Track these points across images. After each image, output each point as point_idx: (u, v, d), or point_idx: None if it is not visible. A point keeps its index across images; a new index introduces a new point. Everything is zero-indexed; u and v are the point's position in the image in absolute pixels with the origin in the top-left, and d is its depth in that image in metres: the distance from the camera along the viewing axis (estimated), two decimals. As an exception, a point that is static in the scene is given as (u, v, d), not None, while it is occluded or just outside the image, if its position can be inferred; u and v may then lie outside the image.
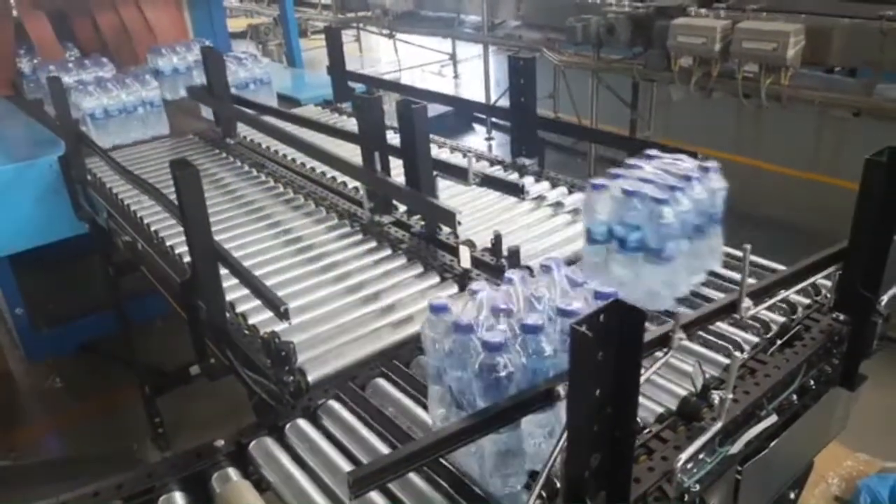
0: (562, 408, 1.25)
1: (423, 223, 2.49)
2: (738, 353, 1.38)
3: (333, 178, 2.99)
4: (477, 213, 2.58)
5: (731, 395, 1.38)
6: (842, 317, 1.74)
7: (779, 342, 1.69)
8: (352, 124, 3.45)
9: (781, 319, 1.78)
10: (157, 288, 2.61)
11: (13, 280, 4.31)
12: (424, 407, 1.63)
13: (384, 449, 1.51)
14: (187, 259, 2.22)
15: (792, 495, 1.95)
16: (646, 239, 1.71)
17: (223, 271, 2.03)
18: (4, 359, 4.75)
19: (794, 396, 1.62)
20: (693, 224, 1.73)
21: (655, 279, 1.74)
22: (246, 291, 2.03)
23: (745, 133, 8.16)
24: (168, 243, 2.54)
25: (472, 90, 10.37)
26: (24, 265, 4.22)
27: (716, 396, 1.40)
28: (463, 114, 8.46)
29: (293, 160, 3.29)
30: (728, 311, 1.46)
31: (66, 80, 3.95)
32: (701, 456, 1.38)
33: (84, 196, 3.48)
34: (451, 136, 3.76)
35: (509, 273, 1.42)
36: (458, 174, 2.42)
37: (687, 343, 1.43)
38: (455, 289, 2.12)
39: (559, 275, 1.39)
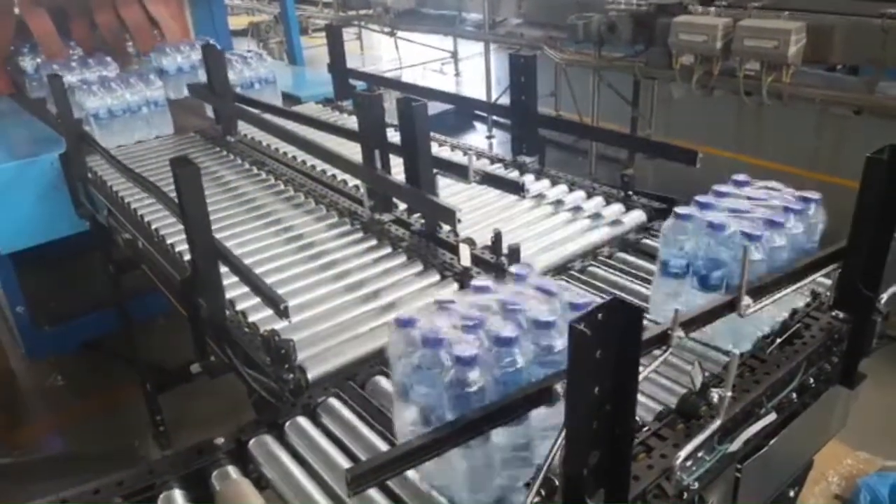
0: (535, 421, 1.26)
1: (423, 221, 2.49)
2: (736, 351, 1.38)
3: (334, 176, 2.99)
4: (477, 211, 2.58)
5: (730, 393, 1.38)
6: (841, 315, 1.74)
7: (778, 340, 1.69)
8: (352, 122, 3.45)
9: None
10: (157, 286, 2.61)
11: (14, 278, 4.31)
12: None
13: (383, 447, 1.51)
14: (187, 257, 2.22)
15: (791, 493, 1.95)
16: (730, 278, 1.57)
17: (223, 269, 2.04)
18: (6, 357, 4.76)
19: (794, 394, 1.62)
20: (784, 261, 1.59)
21: (734, 320, 1.53)
22: (246, 289, 2.03)
23: (746, 131, 8.14)
24: (168, 241, 2.55)
25: (474, 88, 10.36)
26: (25, 263, 4.22)
27: (715, 394, 1.40)
28: (464, 112, 8.46)
29: (294, 158, 3.29)
30: (727, 309, 1.46)
31: (69, 79, 3.95)
32: (700, 454, 1.38)
33: (85, 194, 3.48)
34: (452, 134, 3.75)
35: (478, 281, 1.38)
36: (459, 172, 2.42)
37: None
38: (455, 286, 2.12)
39: (533, 283, 1.36)
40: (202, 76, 4.13)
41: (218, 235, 2.19)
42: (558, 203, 2.62)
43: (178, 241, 2.49)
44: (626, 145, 6.05)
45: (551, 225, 2.46)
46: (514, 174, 2.91)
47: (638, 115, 6.75)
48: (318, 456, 1.53)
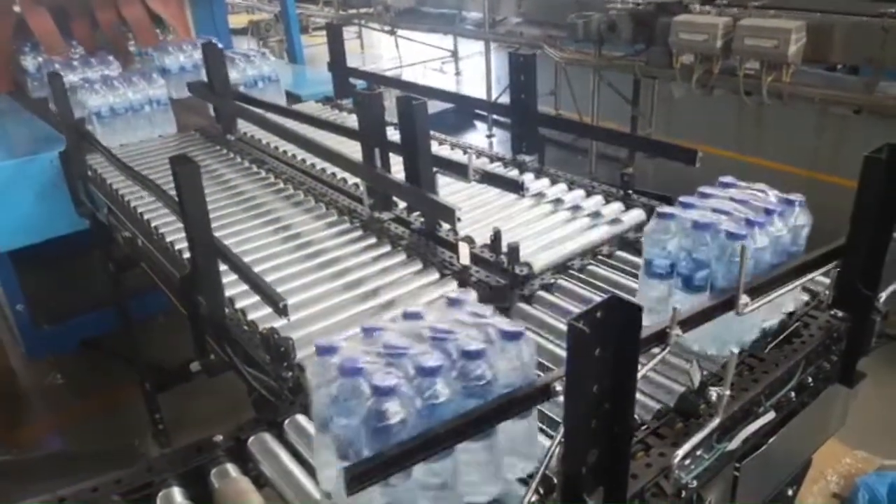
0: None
1: (422, 220, 2.49)
2: (735, 350, 1.38)
3: (333, 175, 2.99)
4: (476, 210, 2.58)
5: (728, 392, 1.38)
6: (840, 314, 1.74)
7: (777, 339, 1.69)
8: (352, 121, 3.45)
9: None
10: (157, 284, 2.61)
11: (14, 276, 4.32)
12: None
13: (382, 445, 1.51)
14: (187, 255, 2.22)
15: (790, 492, 1.95)
16: (715, 278, 1.55)
17: (223, 267, 2.04)
18: (5, 356, 4.76)
19: (793, 393, 1.62)
20: (769, 264, 1.58)
21: (720, 322, 1.52)
22: (245, 287, 2.03)
23: (746, 130, 8.14)
24: (168, 239, 2.55)
25: (474, 87, 10.36)
26: (24, 261, 4.22)
27: (713, 393, 1.40)
28: (464, 110, 8.46)
29: (293, 156, 3.29)
30: (726, 307, 1.46)
31: (71, 78, 3.94)
32: (699, 452, 1.38)
33: (85, 192, 3.48)
34: (452, 132, 3.75)
35: (411, 308, 1.32)
36: (458, 171, 2.42)
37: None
38: (454, 284, 2.12)
39: (464, 310, 1.31)
40: (205, 75, 4.12)
41: (217, 233, 2.19)
42: (558, 202, 2.62)
43: (177, 239, 2.49)
44: (625, 144, 6.05)
45: (551, 223, 2.46)
46: (513, 173, 2.91)
47: (638, 114, 6.75)
48: (317, 454, 1.53)
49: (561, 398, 1.16)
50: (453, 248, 2.23)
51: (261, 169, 3.25)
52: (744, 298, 1.44)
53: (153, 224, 2.68)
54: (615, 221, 2.42)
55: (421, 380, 1.17)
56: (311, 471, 1.50)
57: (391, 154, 2.56)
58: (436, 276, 2.20)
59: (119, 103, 3.66)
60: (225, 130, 3.71)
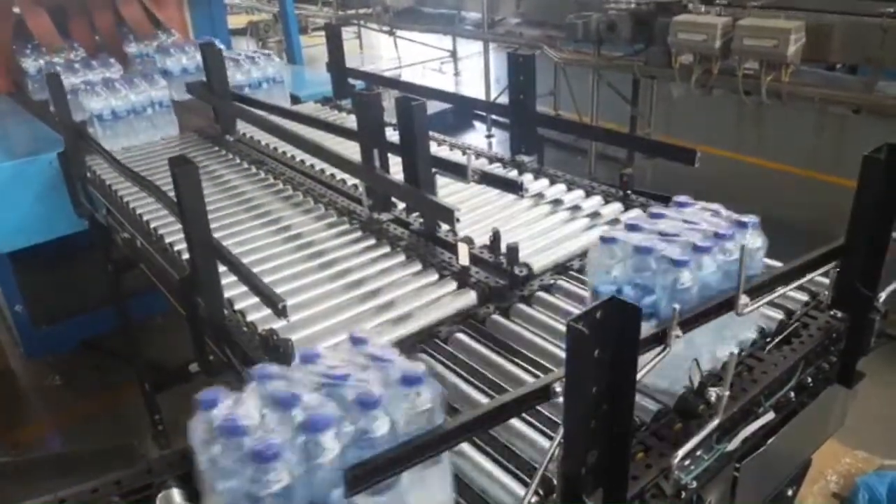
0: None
1: (421, 220, 2.49)
2: (735, 350, 1.38)
3: (332, 175, 2.99)
4: (476, 211, 2.58)
5: (728, 392, 1.38)
6: (839, 314, 1.74)
7: (776, 339, 1.69)
8: (351, 121, 3.45)
9: (779, 316, 1.78)
10: (156, 285, 2.61)
11: (13, 277, 4.31)
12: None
13: (382, 446, 1.50)
14: (186, 256, 2.22)
15: (790, 492, 1.95)
16: (659, 306, 1.45)
17: (222, 268, 2.03)
18: (4, 356, 4.76)
19: (792, 394, 1.62)
20: (720, 290, 1.48)
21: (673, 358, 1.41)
22: (244, 288, 2.03)
23: (745, 130, 8.16)
24: (167, 240, 2.54)
25: (473, 87, 10.36)
26: (23, 262, 4.22)
27: (713, 393, 1.40)
28: (463, 111, 8.46)
29: (292, 157, 3.28)
30: (725, 307, 1.46)
31: (72, 80, 3.93)
32: (698, 453, 1.38)
33: (84, 193, 3.48)
34: (451, 133, 3.75)
35: (304, 350, 1.22)
36: (457, 171, 2.42)
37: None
38: (454, 285, 2.12)
39: (359, 351, 1.23)
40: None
41: (216, 234, 2.18)
42: (557, 202, 2.62)
43: (176, 240, 2.49)
44: (625, 145, 6.07)
45: (550, 224, 2.46)
46: (512, 173, 2.90)
47: (637, 114, 6.76)
48: (316, 455, 1.53)
49: (560, 399, 1.16)
50: (452, 248, 2.23)
51: (260, 170, 3.25)
52: (743, 299, 1.44)
53: (152, 225, 2.68)
54: (614, 222, 2.42)
55: (307, 437, 1.06)
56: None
57: (390, 155, 2.55)
58: (435, 276, 2.20)
59: (121, 106, 3.61)
60: (224, 131, 3.71)
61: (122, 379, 4.22)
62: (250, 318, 2.00)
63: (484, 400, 1.60)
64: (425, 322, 1.94)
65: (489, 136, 8.60)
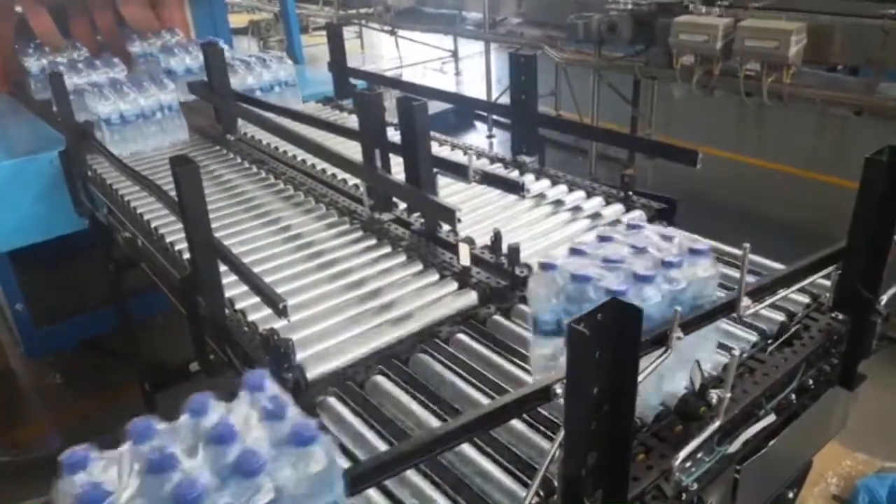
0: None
1: (422, 220, 2.49)
2: (736, 352, 1.38)
3: (333, 175, 2.99)
4: (477, 211, 2.57)
5: (729, 394, 1.38)
6: (841, 316, 1.74)
7: (778, 341, 1.69)
8: (352, 121, 3.45)
9: (780, 319, 1.78)
10: (157, 284, 2.61)
11: (13, 276, 4.31)
12: (423, 405, 1.63)
13: (382, 447, 1.51)
14: (187, 255, 2.22)
15: (790, 494, 1.95)
16: None
17: (222, 268, 2.03)
18: (5, 355, 4.76)
19: (793, 396, 1.62)
20: (660, 320, 1.35)
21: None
22: (245, 288, 2.03)
23: (746, 131, 8.15)
24: (168, 240, 2.54)
25: (474, 87, 10.36)
26: (24, 261, 4.22)
27: (714, 395, 1.40)
28: (464, 111, 8.46)
29: (293, 157, 3.28)
30: (727, 310, 1.46)
31: (76, 80, 3.92)
32: (699, 455, 1.38)
33: (84, 192, 3.48)
34: (452, 133, 3.75)
35: (139, 421, 1.09)
36: (459, 171, 2.42)
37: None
38: (454, 286, 2.11)
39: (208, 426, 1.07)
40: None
41: (217, 234, 2.18)
42: (558, 203, 2.62)
43: (177, 239, 2.49)
44: (626, 145, 6.07)
45: (551, 225, 2.46)
46: (513, 174, 2.90)
47: (638, 115, 6.75)
48: (316, 455, 1.53)
49: (561, 400, 1.16)
50: (454, 249, 2.23)
51: (261, 169, 3.25)
52: (745, 301, 1.44)
53: (153, 224, 2.68)
54: (615, 223, 2.42)
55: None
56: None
57: (391, 155, 2.55)
58: (436, 277, 2.20)
59: (129, 110, 3.50)
60: (225, 131, 3.71)
61: (122, 378, 4.21)
62: (251, 317, 2.00)
63: (485, 400, 1.60)
64: (426, 322, 1.94)
65: (490, 137, 8.60)
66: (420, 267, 2.26)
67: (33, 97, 4.52)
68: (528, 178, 2.83)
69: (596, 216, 2.48)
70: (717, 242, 2.19)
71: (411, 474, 1.39)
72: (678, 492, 1.34)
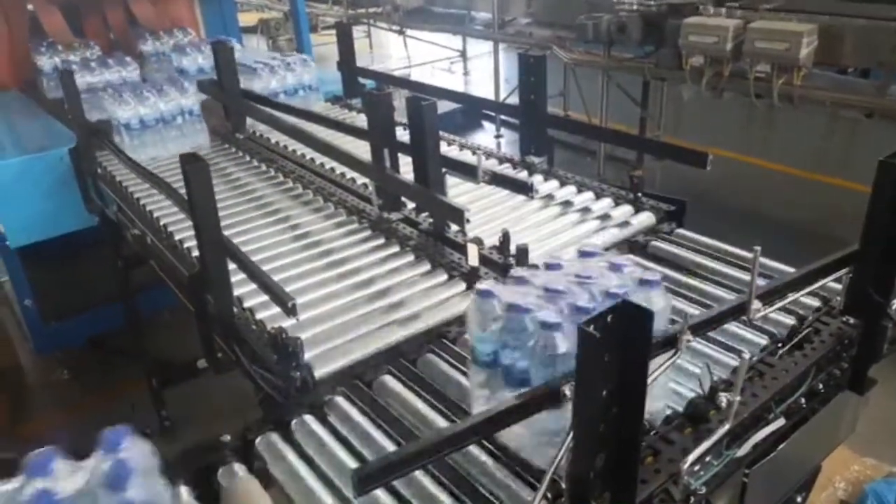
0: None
1: (431, 220, 2.48)
2: (746, 356, 1.37)
3: (342, 174, 2.99)
4: (485, 211, 2.57)
5: (738, 398, 1.37)
6: (852, 320, 1.73)
7: (788, 345, 1.68)
8: (361, 120, 3.45)
9: (791, 322, 1.77)
10: (165, 281, 2.62)
11: (23, 272, 4.33)
12: (431, 405, 1.63)
13: (390, 446, 1.50)
14: (196, 253, 2.22)
15: (799, 499, 1.94)
16: (531, 372, 1.32)
17: (231, 266, 2.04)
18: (14, 351, 4.78)
19: (803, 400, 1.61)
20: None
21: (544, 425, 1.29)
22: (254, 286, 2.03)
23: (755, 133, 8.12)
24: (177, 237, 2.55)
25: (482, 87, 10.35)
26: (33, 257, 4.23)
27: (723, 398, 1.40)
28: (472, 111, 8.45)
29: (302, 156, 3.28)
30: (737, 312, 1.45)
31: (89, 79, 3.92)
32: (708, 458, 1.37)
33: (94, 189, 3.49)
34: (460, 133, 3.74)
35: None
36: (467, 172, 2.41)
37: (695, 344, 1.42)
38: (462, 286, 2.11)
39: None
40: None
41: (226, 232, 2.18)
42: (567, 204, 2.61)
43: (186, 237, 2.49)
44: (635, 147, 6.05)
45: (560, 226, 2.46)
46: (522, 174, 2.90)
47: (647, 116, 6.74)
48: (324, 455, 1.53)
49: (570, 402, 1.16)
50: (462, 249, 2.22)
51: (270, 168, 3.25)
52: (755, 304, 1.43)
53: (162, 222, 2.69)
54: (624, 224, 2.42)
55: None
56: (318, 471, 1.50)
57: (400, 154, 2.55)
58: (444, 277, 2.20)
59: (149, 115, 3.43)
60: (235, 129, 3.72)
61: (129, 375, 4.23)
62: (259, 315, 2.00)
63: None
64: (434, 322, 1.94)
65: (498, 137, 8.59)
66: (428, 267, 2.26)
67: (45, 95, 4.54)
68: (537, 179, 2.82)
69: (605, 217, 2.48)
70: (726, 245, 2.18)
71: (418, 475, 1.39)
72: (686, 495, 1.33)
